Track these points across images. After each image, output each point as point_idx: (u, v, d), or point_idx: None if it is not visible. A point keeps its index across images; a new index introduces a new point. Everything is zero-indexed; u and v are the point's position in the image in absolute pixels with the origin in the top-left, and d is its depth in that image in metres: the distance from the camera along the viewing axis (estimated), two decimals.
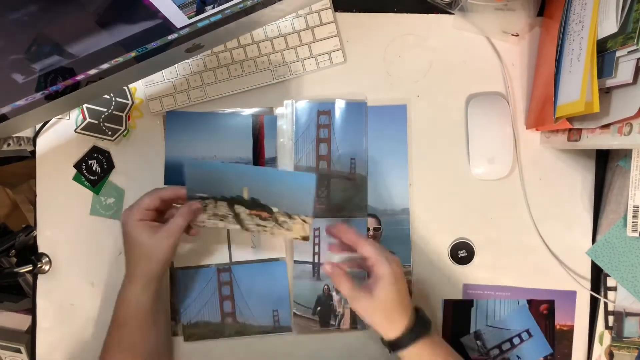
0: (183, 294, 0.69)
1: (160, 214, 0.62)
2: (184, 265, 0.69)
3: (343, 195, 0.68)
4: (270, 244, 0.69)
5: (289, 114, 0.68)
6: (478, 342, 0.69)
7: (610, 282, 0.68)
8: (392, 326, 0.55)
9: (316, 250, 0.68)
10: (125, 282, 0.60)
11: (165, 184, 0.69)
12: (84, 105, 0.68)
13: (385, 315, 0.55)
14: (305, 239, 0.61)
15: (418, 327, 0.55)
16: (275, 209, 0.59)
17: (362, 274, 0.64)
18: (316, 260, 0.68)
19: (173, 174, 0.69)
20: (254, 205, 0.60)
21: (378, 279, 0.55)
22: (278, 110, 0.69)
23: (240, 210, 0.60)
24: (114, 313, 0.61)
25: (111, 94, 0.68)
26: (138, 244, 0.58)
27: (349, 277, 0.57)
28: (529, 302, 0.68)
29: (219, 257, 0.69)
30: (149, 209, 0.59)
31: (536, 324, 0.68)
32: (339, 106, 0.68)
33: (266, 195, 0.59)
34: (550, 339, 0.68)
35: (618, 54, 0.50)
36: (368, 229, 0.68)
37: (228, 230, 0.69)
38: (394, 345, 0.55)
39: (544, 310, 0.68)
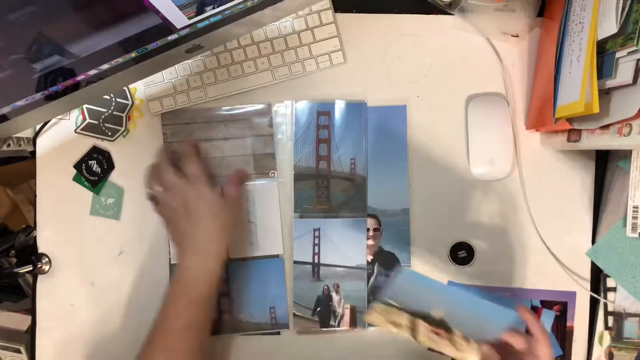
0: None
1: None
2: None
3: (343, 195, 0.68)
4: (267, 241, 0.69)
5: (289, 114, 0.69)
6: None
7: (610, 282, 0.68)
8: None
9: (316, 250, 0.68)
10: (202, 259, 0.60)
11: None
12: (84, 106, 0.69)
13: None
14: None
15: None
16: (456, 331, 0.55)
17: None
18: (316, 261, 0.68)
19: None
20: (437, 323, 0.56)
21: None
22: (276, 107, 0.69)
23: (419, 324, 0.56)
24: (185, 294, 0.59)
25: (111, 95, 0.68)
26: (238, 220, 0.63)
27: None
28: (542, 302, 0.68)
29: None
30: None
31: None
32: (339, 107, 0.68)
33: (455, 318, 0.56)
34: (561, 340, 0.68)
35: (618, 54, 0.50)
36: (368, 229, 0.68)
37: None
38: None
39: (556, 311, 0.68)
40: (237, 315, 0.69)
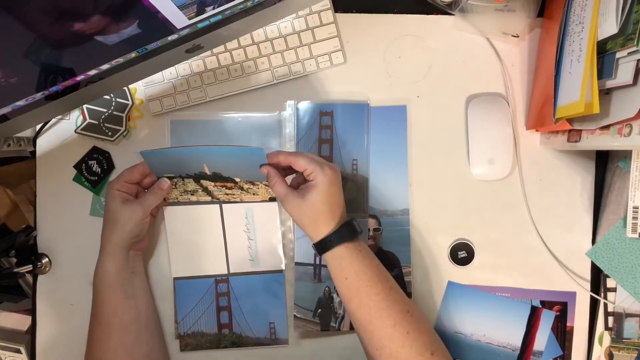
0: (181, 304, 0.69)
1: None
2: (182, 275, 0.69)
3: (345, 196, 0.68)
4: (268, 258, 0.69)
5: (291, 115, 0.68)
6: None
7: (610, 283, 0.68)
8: (318, 230, 0.58)
9: None
10: (99, 255, 0.62)
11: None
12: (84, 106, 0.68)
13: (312, 218, 0.58)
14: (272, 199, 0.66)
15: (341, 234, 0.57)
16: (237, 179, 0.64)
17: None
18: (317, 262, 0.68)
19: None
20: (218, 178, 0.64)
21: (312, 185, 0.57)
22: (284, 114, 0.69)
23: (207, 184, 0.65)
24: (93, 290, 0.62)
25: (111, 95, 0.68)
26: (108, 210, 0.61)
27: (284, 179, 0.60)
28: (542, 303, 0.68)
29: (217, 268, 0.69)
30: (129, 181, 0.62)
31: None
32: (342, 107, 0.68)
33: (225, 169, 0.63)
34: (561, 340, 0.68)
35: (618, 55, 0.50)
36: (368, 230, 0.68)
37: (225, 242, 0.69)
38: (317, 248, 0.58)
39: (556, 311, 0.68)
40: (236, 329, 0.69)
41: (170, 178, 0.64)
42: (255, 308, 0.69)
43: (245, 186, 0.65)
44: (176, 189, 0.66)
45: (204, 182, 0.65)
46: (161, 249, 0.70)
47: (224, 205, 0.68)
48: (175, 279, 0.69)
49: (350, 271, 0.57)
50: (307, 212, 0.57)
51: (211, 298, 0.69)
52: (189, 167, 0.63)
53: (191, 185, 0.65)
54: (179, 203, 0.67)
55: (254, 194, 0.66)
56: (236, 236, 0.69)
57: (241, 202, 0.66)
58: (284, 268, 0.69)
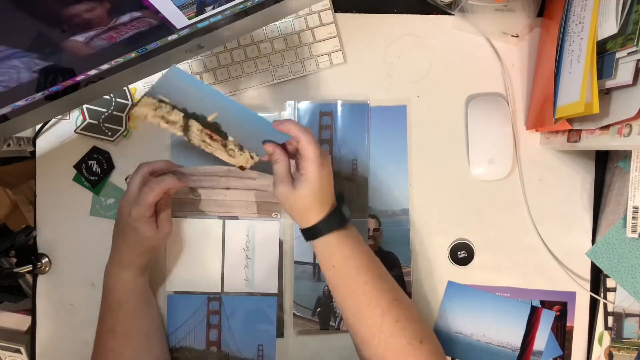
0: (172, 318, 0.69)
1: None
2: (175, 290, 0.69)
3: (344, 196, 0.68)
4: (263, 280, 0.69)
5: (291, 115, 0.68)
6: None
7: (610, 283, 0.68)
8: (306, 220, 0.56)
9: None
10: (117, 268, 0.61)
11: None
12: (84, 106, 0.68)
13: (300, 210, 0.56)
14: (242, 168, 0.59)
15: (330, 222, 0.56)
16: (230, 138, 0.59)
17: None
18: (316, 261, 0.68)
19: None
20: (211, 127, 0.59)
21: (305, 178, 0.55)
22: (284, 114, 0.69)
23: (193, 124, 0.58)
24: (105, 299, 0.62)
25: (111, 95, 0.68)
26: (145, 238, 0.60)
27: (289, 163, 0.57)
28: (542, 303, 0.69)
29: (211, 285, 0.69)
30: (155, 203, 0.60)
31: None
32: (342, 107, 0.68)
33: (228, 125, 0.59)
34: (561, 340, 0.68)
35: (618, 55, 0.50)
36: (368, 230, 0.68)
37: (223, 259, 0.68)
38: (305, 234, 0.57)
39: (556, 311, 0.68)
40: (224, 348, 0.68)
41: (161, 101, 0.57)
42: (245, 329, 0.69)
43: (230, 146, 0.59)
44: (149, 107, 0.57)
45: (192, 122, 0.58)
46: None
47: (227, 221, 0.68)
48: (169, 292, 0.69)
49: (338, 258, 0.56)
50: (296, 203, 0.56)
51: (202, 315, 0.69)
52: (194, 105, 0.58)
53: (176, 117, 0.57)
54: (184, 215, 0.67)
55: (230, 156, 0.59)
56: (235, 254, 0.68)
57: (212, 156, 0.59)
58: (276, 291, 0.68)
